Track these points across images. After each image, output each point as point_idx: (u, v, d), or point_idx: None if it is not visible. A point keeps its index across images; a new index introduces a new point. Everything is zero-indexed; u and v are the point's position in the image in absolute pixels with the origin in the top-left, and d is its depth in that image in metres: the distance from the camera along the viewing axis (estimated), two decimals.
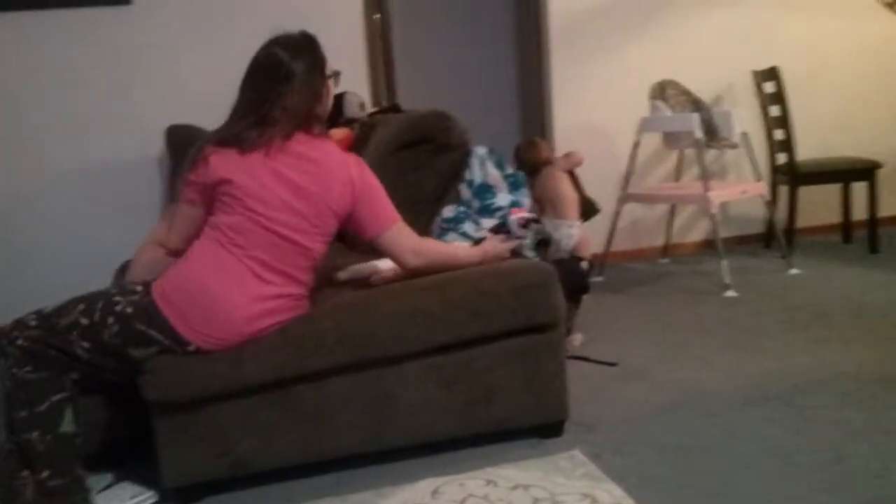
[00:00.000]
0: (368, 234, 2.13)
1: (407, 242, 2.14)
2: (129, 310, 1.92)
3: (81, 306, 1.93)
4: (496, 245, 2.35)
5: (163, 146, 3.53)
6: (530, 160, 3.61)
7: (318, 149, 2.06)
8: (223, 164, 2.00)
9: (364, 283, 2.31)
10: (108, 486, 2.11)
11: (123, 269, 2.29)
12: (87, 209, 3.74)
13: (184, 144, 3.44)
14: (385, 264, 2.31)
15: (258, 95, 2.03)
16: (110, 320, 1.90)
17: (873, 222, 4.43)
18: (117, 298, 1.94)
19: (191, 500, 2.09)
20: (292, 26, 4.00)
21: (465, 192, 2.99)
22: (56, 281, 3.71)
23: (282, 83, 2.02)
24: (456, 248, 2.26)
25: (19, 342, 1.89)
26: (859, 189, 4.57)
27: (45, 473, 1.88)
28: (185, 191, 2.06)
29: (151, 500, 2.10)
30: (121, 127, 3.76)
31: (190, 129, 3.49)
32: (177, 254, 2.10)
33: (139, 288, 1.98)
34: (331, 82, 2.15)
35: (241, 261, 1.97)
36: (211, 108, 3.69)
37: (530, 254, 2.91)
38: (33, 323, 1.91)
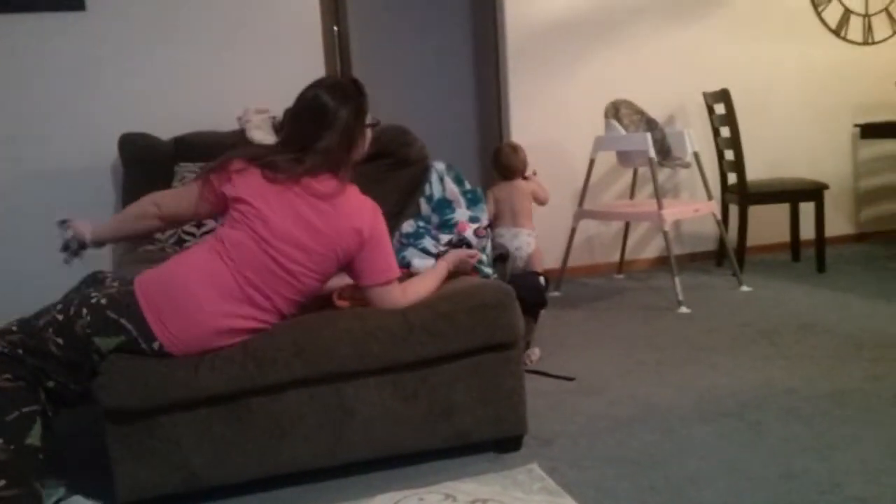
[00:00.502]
0: (361, 281, 2.15)
1: (394, 299, 2.15)
2: (103, 300, 1.94)
3: (59, 305, 1.96)
4: (460, 256, 2.40)
5: (116, 154, 3.48)
6: (512, 164, 3.74)
7: (339, 192, 2.08)
8: (244, 183, 2.04)
9: (327, 302, 2.30)
10: (59, 500, 2.07)
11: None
12: (39, 215, 3.66)
13: (137, 153, 3.40)
14: (344, 279, 2.31)
15: (299, 137, 2.09)
16: (84, 311, 1.92)
17: (820, 242, 4.55)
18: (94, 293, 1.97)
19: None
20: (251, 38, 4.00)
21: (424, 207, 3.01)
22: (3, 286, 3.63)
23: (325, 128, 2.06)
24: (427, 279, 2.27)
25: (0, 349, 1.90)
26: (807, 209, 4.69)
27: (0, 483, 1.83)
28: (204, 188, 2.09)
29: None
30: (74, 134, 3.70)
31: (144, 138, 3.45)
32: (164, 219, 2.15)
33: (116, 283, 2.01)
34: (368, 131, 2.17)
35: (231, 273, 1.99)
36: (165, 117, 3.70)
37: (488, 270, 2.93)
38: (14, 328, 1.93)
